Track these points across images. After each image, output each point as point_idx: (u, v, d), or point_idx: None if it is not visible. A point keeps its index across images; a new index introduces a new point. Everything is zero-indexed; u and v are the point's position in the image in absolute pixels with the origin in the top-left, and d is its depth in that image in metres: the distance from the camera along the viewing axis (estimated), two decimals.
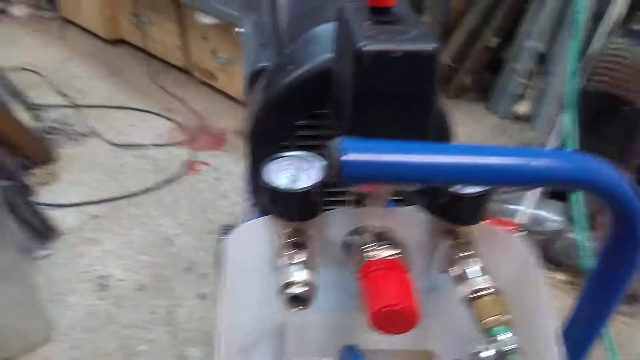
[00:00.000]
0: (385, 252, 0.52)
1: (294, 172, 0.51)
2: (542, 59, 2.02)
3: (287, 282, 0.49)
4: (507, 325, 0.47)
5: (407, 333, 0.64)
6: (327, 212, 0.53)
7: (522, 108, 2.02)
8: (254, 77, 0.70)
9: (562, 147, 1.51)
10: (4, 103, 1.71)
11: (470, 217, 0.53)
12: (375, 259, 0.51)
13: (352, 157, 0.39)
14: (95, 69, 2.42)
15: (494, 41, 2.20)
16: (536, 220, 1.40)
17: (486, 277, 0.51)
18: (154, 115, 2.11)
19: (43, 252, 1.43)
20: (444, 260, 0.56)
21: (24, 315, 1.17)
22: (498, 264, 0.55)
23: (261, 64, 0.71)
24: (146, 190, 1.70)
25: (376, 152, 0.40)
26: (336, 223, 0.55)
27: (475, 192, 0.51)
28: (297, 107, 0.58)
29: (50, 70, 2.36)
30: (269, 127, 0.60)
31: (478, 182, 0.45)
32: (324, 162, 0.50)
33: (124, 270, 1.40)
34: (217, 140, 2.00)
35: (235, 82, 2.15)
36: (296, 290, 0.49)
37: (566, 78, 1.39)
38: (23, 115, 1.82)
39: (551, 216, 1.39)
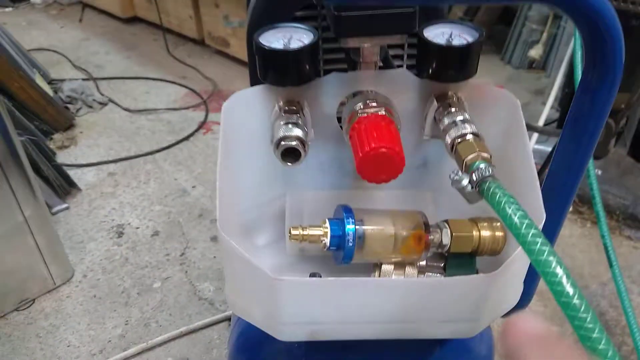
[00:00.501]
0: (376, 110, 0.52)
1: (288, 39, 0.52)
2: None
3: (281, 137, 0.50)
4: (487, 161, 0.47)
5: (400, 203, 0.64)
6: (320, 77, 0.54)
7: (535, 52, 1.98)
8: None
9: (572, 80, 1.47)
10: (26, 73, 1.77)
11: (458, 72, 0.53)
12: (366, 115, 0.52)
13: None
14: (112, 46, 2.48)
15: None
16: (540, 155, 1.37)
17: (471, 124, 0.51)
18: (168, 83, 2.15)
19: (62, 206, 1.48)
20: (434, 123, 0.56)
21: (44, 261, 1.22)
22: (486, 118, 0.55)
23: None
24: (161, 149, 1.74)
25: None
26: (330, 88, 0.55)
27: (461, 45, 0.51)
28: None
29: (69, 49, 2.43)
30: (267, 19, 0.61)
31: None
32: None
33: (139, 219, 1.44)
34: (221, 122, 2.03)
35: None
36: (289, 143, 0.50)
37: None
38: (44, 86, 1.88)
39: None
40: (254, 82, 0.61)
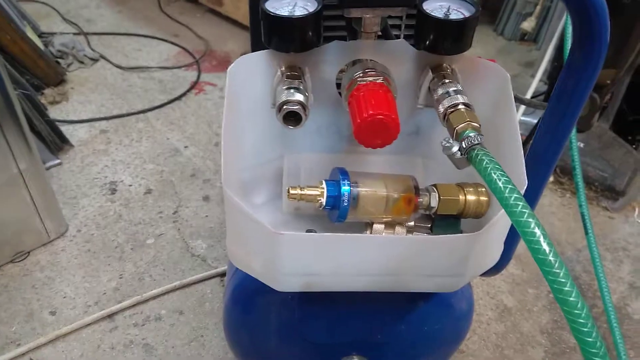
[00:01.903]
0: (374, 78, 0.55)
1: (293, 6, 0.54)
2: None
3: (283, 101, 0.53)
4: (476, 131, 0.51)
5: (392, 168, 0.68)
6: (321, 45, 0.56)
7: (528, 24, 1.99)
8: None
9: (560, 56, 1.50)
10: (17, 26, 1.74)
11: (454, 45, 0.55)
12: (364, 83, 0.55)
13: None
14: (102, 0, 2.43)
15: None
16: (526, 126, 1.41)
17: (463, 95, 0.54)
18: (160, 41, 2.13)
19: (55, 162, 1.49)
20: (429, 93, 0.59)
21: (39, 215, 1.24)
22: (477, 90, 0.58)
23: None
24: (153, 108, 1.74)
25: None
26: (331, 55, 0.58)
27: (458, 19, 0.53)
28: None
29: (58, 2, 2.37)
30: None
31: None
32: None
33: (132, 176, 1.46)
34: (222, 63, 2.03)
35: (241, 6, 2.15)
36: (291, 107, 0.53)
37: None
38: (35, 40, 1.85)
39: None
40: (255, 46, 0.63)
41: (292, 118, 0.54)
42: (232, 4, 2.20)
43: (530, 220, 0.39)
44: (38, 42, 1.85)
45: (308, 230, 0.62)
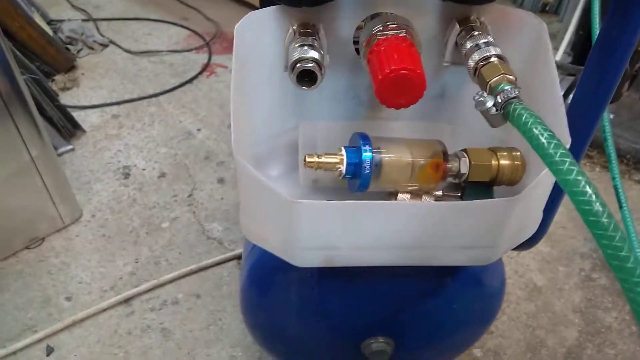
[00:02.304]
0: (396, 32, 0.50)
1: None
2: None
3: (297, 59, 0.48)
4: (512, 84, 0.46)
5: (417, 134, 0.63)
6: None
7: None
8: None
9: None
10: (26, 12, 1.72)
11: None
12: (385, 37, 0.50)
13: None
14: None
15: None
16: None
17: (495, 47, 0.49)
18: (170, 25, 2.09)
19: (67, 148, 1.47)
20: (456, 49, 0.54)
21: (52, 201, 1.22)
22: (511, 43, 0.53)
23: None
24: (165, 91, 1.71)
25: None
26: (346, 10, 0.53)
27: None
28: None
29: None
30: None
31: None
32: None
33: (145, 160, 1.44)
34: (233, 45, 1.98)
35: None
36: (305, 65, 0.48)
37: None
38: (43, 26, 1.83)
39: None
40: (263, 3, 0.58)
41: (306, 78, 0.49)
42: None
43: (580, 178, 0.35)
44: (47, 29, 1.83)
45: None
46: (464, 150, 0.55)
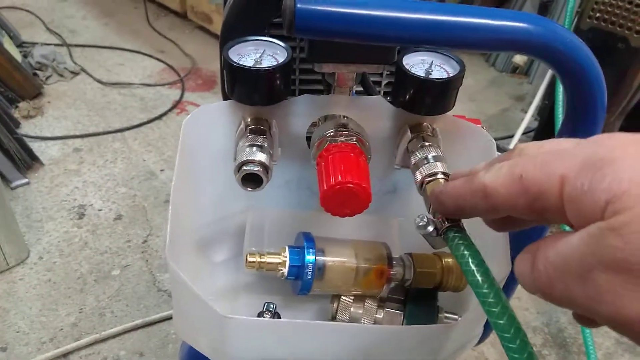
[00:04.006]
0: (347, 139, 0.50)
1: (260, 54, 0.49)
2: (544, 8, 1.95)
3: (243, 161, 0.47)
4: None
5: (366, 228, 0.62)
6: (290, 98, 0.51)
7: (520, 58, 1.97)
8: None
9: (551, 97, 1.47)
10: None
11: (434, 106, 0.50)
12: (335, 143, 0.49)
13: (306, 5, 0.36)
14: (89, 10, 2.38)
15: None
16: None
17: (443, 163, 0.49)
18: (145, 56, 2.07)
19: (22, 181, 1.42)
20: (406, 154, 0.54)
21: None
22: (460, 155, 0.53)
23: None
24: (132, 127, 1.68)
25: (333, 3, 0.37)
26: (300, 109, 0.52)
27: (441, 79, 0.48)
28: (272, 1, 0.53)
29: (43, 10, 2.32)
30: (242, 23, 0.57)
31: (429, 40, 0.41)
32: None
33: (103, 200, 1.40)
34: (208, 82, 1.97)
35: None
36: (251, 168, 0.47)
37: (564, 20, 1.34)
38: (12, 51, 1.79)
39: None
40: (225, 94, 0.57)
41: (252, 180, 0.48)
42: (221, 22, 2.15)
43: (511, 322, 0.34)
44: (16, 54, 1.79)
45: (266, 304, 0.55)
46: (410, 254, 0.54)
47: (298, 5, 0.35)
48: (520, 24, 0.39)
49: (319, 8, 0.36)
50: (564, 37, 0.39)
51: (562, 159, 0.25)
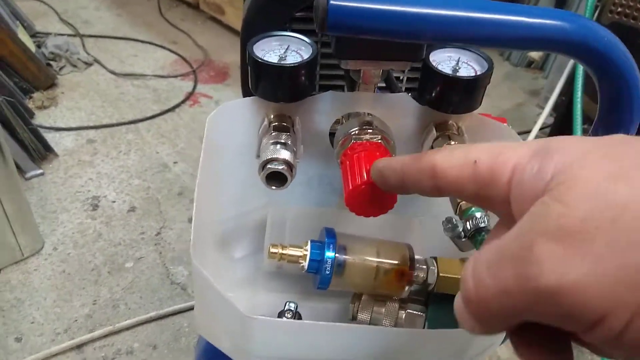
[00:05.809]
0: (371, 137, 0.49)
1: (284, 50, 0.48)
2: (562, 1, 1.93)
3: (267, 159, 0.47)
4: (484, 210, 0.44)
5: (387, 228, 0.62)
6: (314, 95, 0.50)
7: (535, 52, 1.94)
8: None
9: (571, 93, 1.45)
10: (8, 26, 1.68)
11: (461, 104, 0.49)
12: (360, 142, 0.48)
13: (339, 2, 0.35)
14: (102, 1, 2.37)
15: None
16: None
17: None
18: (158, 48, 2.07)
19: (37, 172, 1.43)
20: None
21: (12, 230, 1.17)
22: None
23: None
24: (145, 119, 1.68)
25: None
26: (324, 106, 0.51)
27: (468, 77, 0.47)
28: None
29: (57, 0, 2.32)
30: (264, 18, 0.56)
31: (464, 38, 0.39)
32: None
33: (116, 192, 1.40)
34: (220, 74, 1.97)
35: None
36: (275, 167, 0.46)
37: (584, 15, 1.32)
38: (26, 41, 1.79)
39: None
40: (245, 90, 0.56)
41: (276, 178, 0.47)
42: (233, 14, 2.14)
43: None
44: (30, 44, 1.79)
45: (287, 303, 0.55)
46: (434, 258, 0.53)
47: (331, 2, 0.34)
48: (556, 22, 0.38)
49: (352, 5, 0.35)
50: (602, 36, 0.37)
51: (515, 150, 0.25)
